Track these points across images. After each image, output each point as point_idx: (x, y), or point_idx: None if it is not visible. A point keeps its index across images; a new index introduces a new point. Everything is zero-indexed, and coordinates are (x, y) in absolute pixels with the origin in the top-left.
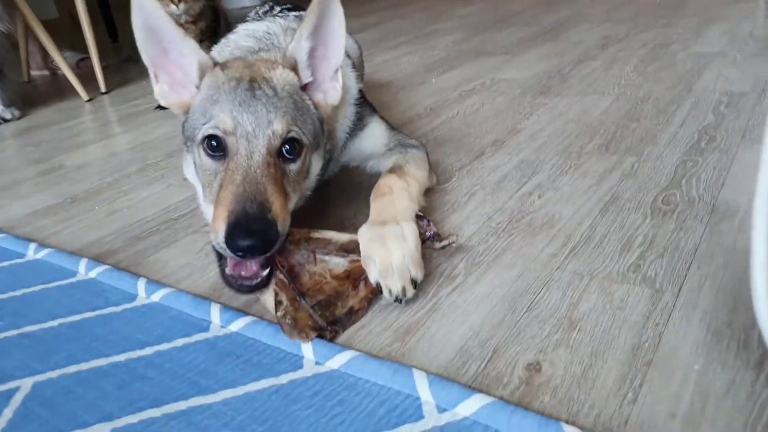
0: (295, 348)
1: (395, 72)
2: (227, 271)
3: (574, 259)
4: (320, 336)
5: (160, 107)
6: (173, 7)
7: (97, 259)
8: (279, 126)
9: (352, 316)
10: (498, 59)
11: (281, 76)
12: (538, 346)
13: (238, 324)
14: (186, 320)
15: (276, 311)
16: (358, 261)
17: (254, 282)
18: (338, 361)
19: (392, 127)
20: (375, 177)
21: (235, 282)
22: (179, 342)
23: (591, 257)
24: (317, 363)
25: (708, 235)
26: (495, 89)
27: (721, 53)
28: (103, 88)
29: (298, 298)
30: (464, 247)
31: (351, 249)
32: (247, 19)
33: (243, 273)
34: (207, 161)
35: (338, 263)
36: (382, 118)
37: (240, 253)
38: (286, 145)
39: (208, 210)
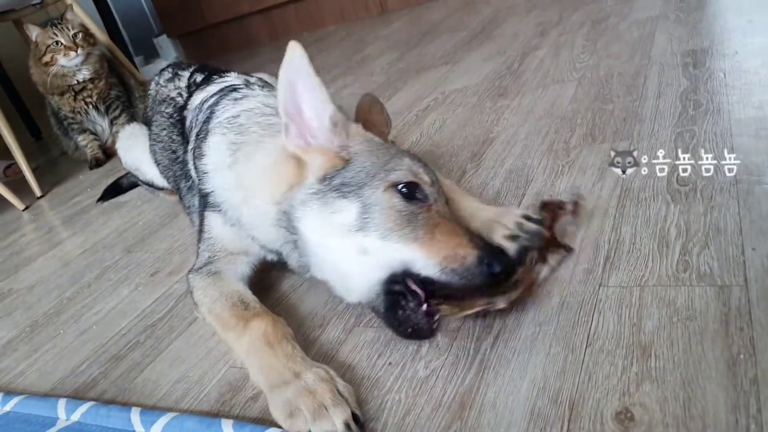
0: None
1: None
2: (419, 317)
3: (613, 270)
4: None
5: (102, 199)
6: (72, 53)
7: (77, 396)
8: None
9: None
10: (441, 71)
11: None
12: (619, 388)
13: None
14: None
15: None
16: None
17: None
18: None
19: None
20: None
21: (425, 326)
22: None
23: (630, 264)
24: None
25: (745, 209)
26: (450, 102)
27: (661, 15)
28: (38, 192)
29: None
30: None
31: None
32: (158, 87)
33: (436, 317)
34: (403, 204)
35: None
36: None
37: (501, 270)
38: None
39: (395, 246)
